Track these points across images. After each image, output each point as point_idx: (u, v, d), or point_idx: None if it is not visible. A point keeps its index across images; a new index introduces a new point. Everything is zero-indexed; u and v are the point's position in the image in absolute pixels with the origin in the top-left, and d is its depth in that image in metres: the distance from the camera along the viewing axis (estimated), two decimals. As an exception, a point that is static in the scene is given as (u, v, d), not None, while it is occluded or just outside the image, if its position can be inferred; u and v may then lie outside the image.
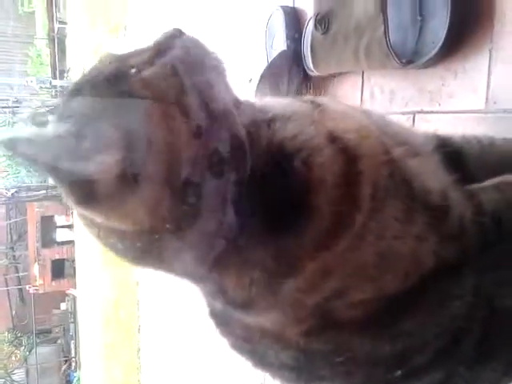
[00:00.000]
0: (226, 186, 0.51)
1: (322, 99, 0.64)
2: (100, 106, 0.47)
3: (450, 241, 0.61)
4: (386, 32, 1.11)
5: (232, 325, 0.68)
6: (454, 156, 0.71)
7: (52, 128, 0.47)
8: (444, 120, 1.10)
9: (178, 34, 0.52)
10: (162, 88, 0.48)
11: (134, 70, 0.48)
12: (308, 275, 0.56)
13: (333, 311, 0.60)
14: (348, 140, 0.56)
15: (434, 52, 1.05)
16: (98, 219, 0.51)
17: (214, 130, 0.50)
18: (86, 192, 0.48)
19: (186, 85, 0.49)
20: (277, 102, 0.62)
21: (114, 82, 0.48)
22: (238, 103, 0.55)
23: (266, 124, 0.56)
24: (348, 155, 0.55)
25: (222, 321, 0.71)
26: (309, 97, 0.65)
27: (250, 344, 0.69)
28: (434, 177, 0.62)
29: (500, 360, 0.67)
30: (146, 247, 0.52)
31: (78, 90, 0.49)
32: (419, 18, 1.07)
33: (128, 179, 0.47)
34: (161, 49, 0.50)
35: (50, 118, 0.48)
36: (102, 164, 0.46)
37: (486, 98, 1.01)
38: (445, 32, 1.02)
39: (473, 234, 0.62)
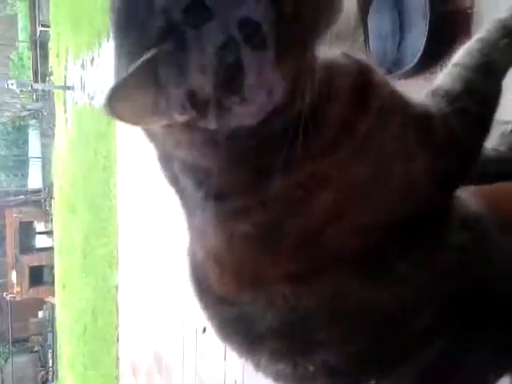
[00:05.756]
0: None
1: None
2: None
3: (442, 151, 0.61)
4: (366, 41, 1.11)
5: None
6: None
7: None
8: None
9: None
10: None
11: None
12: (303, 176, 0.54)
13: (329, 243, 0.56)
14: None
15: (413, 63, 1.05)
16: None
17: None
18: None
19: None
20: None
21: None
22: None
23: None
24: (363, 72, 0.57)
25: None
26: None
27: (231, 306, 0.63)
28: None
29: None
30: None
31: None
32: (399, 29, 1.08)
33: None
34: None
35: None
36: None
37: (465, 110, 1.00)
38: (423, 43, 1.02)
39: (458, 129, 0.62)
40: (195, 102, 0.47)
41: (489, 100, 0.66)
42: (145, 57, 0.45)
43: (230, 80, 0.47)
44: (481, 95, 0.65)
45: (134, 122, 0.50)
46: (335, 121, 0.54)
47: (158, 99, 0.47)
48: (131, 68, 0.45)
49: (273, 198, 0.54)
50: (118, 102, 0.46)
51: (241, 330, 0.64)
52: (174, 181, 0.60)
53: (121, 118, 0.47)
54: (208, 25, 0.45)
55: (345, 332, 0.60)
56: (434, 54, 1.04)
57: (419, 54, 1.03)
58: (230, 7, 0.45)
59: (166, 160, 0.60)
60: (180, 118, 0.49)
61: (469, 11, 0.98)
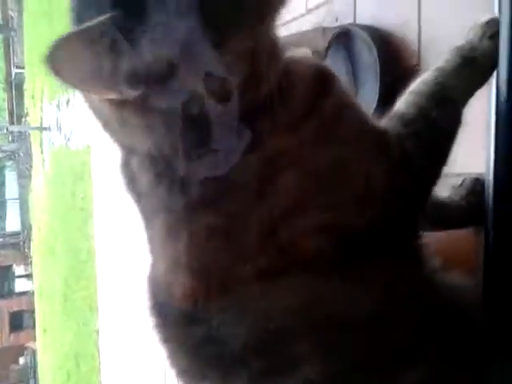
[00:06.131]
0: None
1: None
2: None
3: (398, 168, 0.60)
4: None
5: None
6: None
7: None
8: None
9: None
10: None
11: None
12: (269, 154, 0.52)
13: (290, 237, 0.53)
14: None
15: (367, 117, 1.08)
16: None
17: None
18: None
19: None
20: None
21: None
22: None
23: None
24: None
25: None
26: None
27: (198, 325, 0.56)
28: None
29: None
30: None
31: None
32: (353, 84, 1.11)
33: None
34: None
35: None
36: None
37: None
38: (376, 99, 1.05)
39: (412, 151, 0.62)
40: (147, 76, 0.46)
41: (443, 128, 0.66)
42: (97, 19, 0.44)
43: (196, 133, 0.48)
44: (433, 122, 0.65)
45: (73, 84, 0.48)
46: (298, 99, 0.54)
47: (103, 62, 0.45)
48: (80, 26, 0.44)
49: (238, 180, 0.53)
50: (59, 56, 0.44)
51: (211, 356, 0.56)
52: (133, 183, 0.58)
53: (59, 74, 0.45)
54: (171, 80, 0.46)
55: (326, 344, 0.55)
56: (387, 108, 1.07)
57: (372, 109, 1.06)
58: (194, 63, 0.46)
59: (126, 162, 0.58)
60: (130, 93, 0.47)
61: (416, 68, 1.02)
